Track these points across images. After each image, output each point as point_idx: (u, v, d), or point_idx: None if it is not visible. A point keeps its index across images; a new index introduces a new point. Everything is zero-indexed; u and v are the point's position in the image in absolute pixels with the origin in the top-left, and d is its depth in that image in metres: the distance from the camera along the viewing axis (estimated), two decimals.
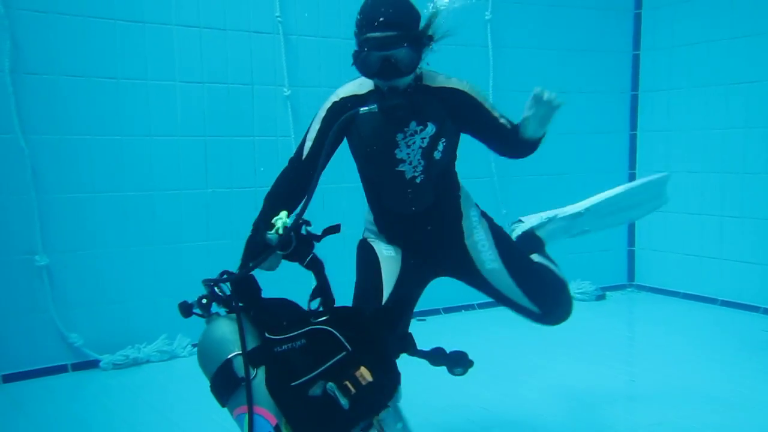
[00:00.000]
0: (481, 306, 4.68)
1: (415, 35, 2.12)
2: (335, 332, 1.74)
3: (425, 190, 2.30)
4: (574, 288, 4.93)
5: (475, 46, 4.51)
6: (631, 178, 5.21)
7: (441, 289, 4.44)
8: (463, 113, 2.26)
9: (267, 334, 1.76)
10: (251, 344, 1.74)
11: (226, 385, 1.73)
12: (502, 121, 2.27)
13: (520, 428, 2.68)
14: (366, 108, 2.14)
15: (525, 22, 4.75)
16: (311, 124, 2.29)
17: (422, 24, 2.16)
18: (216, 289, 1.82)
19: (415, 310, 2.50)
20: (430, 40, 2.19)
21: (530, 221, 2.82)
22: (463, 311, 4.62)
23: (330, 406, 1.68)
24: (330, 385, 1.69)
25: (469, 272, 2.41)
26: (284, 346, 1.73)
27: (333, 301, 1.89)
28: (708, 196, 4.73)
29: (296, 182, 2.22)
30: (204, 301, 1.81)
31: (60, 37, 3.44)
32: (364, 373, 1.70)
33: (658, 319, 4.46)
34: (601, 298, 4.92)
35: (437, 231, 2.37)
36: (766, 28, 4.33)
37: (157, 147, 3.71)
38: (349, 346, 1.74)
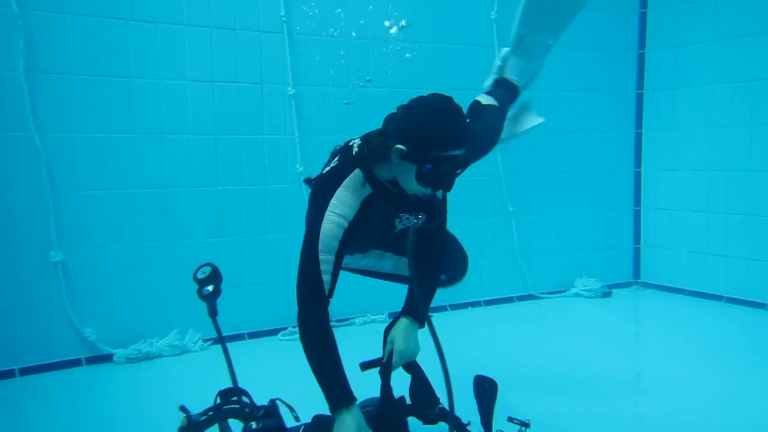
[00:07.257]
0: (488, 303, 4.72)
1: None
2: None
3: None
4: (581, 285, 4.97)
5: (481, 46, 4.55)
6: (637, 176, 5.25)
7: None
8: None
9: None
10: None
11: None
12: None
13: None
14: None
15: None
16: (316, 251, 2.08)
17: None
18: None
19: None
20: None
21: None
22: (469, 308, 4.66)
23: None
24: None
25: None
26: None
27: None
28: (713, 194, 4.76)
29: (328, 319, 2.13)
30: None
31: (74, 36, 3.50)
32: None
33: (664, 315, 4.49)
34: (607, 295, 4.95)
35: None
36: None
37: (168, 145, 3.77)
38: None
